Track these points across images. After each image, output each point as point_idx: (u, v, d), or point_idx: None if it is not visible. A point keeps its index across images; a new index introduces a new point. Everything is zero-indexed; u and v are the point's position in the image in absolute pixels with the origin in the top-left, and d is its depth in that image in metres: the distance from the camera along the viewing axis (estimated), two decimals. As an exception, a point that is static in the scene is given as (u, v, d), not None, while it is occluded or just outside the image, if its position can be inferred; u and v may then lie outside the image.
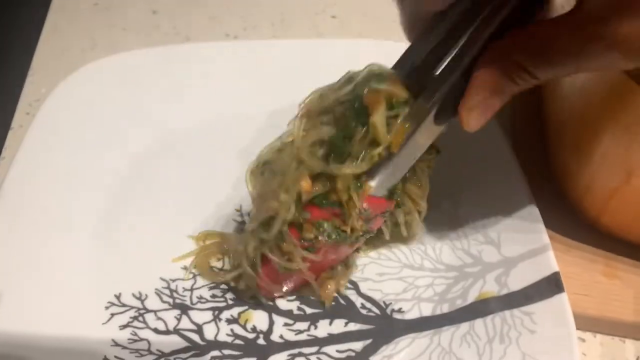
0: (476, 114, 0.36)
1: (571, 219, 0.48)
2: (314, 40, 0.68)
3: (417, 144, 0.39)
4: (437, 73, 0.36)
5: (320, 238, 0.40)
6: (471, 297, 0.45)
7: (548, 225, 0.46)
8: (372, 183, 0.39)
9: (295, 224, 0.40)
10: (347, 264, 0.46)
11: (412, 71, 0.37)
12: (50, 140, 0.52)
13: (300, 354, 0.43)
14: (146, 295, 0.45)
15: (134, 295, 0.45)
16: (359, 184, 0.39)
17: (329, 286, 0.45)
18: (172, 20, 0.72)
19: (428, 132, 0.39)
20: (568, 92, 0.45)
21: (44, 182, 0.50)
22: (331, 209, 0.40)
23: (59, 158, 0.51)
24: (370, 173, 0.39)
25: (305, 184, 0.39)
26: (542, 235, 0.45)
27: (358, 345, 0.44)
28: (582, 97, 0.42)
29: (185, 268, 0.47)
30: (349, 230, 0.40)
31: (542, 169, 0.51)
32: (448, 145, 0.53)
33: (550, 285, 0.43)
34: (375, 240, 0.47)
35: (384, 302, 0.46)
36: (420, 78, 0.37)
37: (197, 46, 0.63)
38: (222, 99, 0.58)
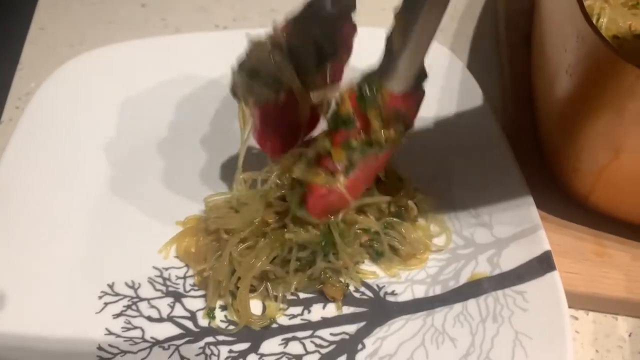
0: None
1: (562, 199, 0.48)
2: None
3: (430, 16, 0.35)
4: None
5: (353, 157, 0.39)
6: (464, 278, 0.45)
7: (539, 205, 0.46)
8: (390, 83, 0.37)
9: (322, 155, 0.39)
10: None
11: None
12: (40, 134, 0.52)
13: (294, 338, 0.43)
14: (139, 284, 0.46)
15: (127, 284, 0.45)
16: (374, 90, 0.37)
17: (337, 285, 0.45)
18: (161, 13, 0.72)
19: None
20: (556, 72, 0.45)
21: (34, 175, 0.50)
22: (346, 131, 0.38)
23: (49, 151, 0.51)
24: (383, 73, 0.37)
25: None
26: (533, 215, 0.46)
27: (352, 328, 0.44)
28: (569, 77, 0.42)
29: (176, 257, 0.47)
30: (378, 139, 0.38)
31: (533, 151, 0.51)
32: (440, 129, 0.54)
33: (542, 264, 0.43)
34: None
35: (377, 285, 0.46)
36: None
37: (186, 37, 0.63)
38: (212, 88, 0.58)
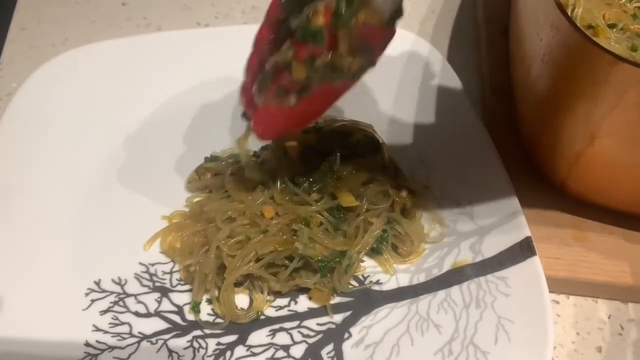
0: None
1: (541, 187, 0.49)
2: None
3: None
4: None
5: (313, 77, 0.37)
6: (447, 266, 0.46)
7: (519, 193, 0.47)
8: (369, 8, 0.35)
9: (282, 64, 0.37)
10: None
11: None
12: (23, 133, 0.52)
13: (281, 329, 0.44)
14: (126, 280, 0.46)
15: (113, 280, 0.46)
16: (351, 10, 0.34)
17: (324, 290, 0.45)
18: (142, 11, 0.72)
19: None
20: (533, 61, 0.46)
21: (18, 174, 0.49)
22: (313, 46, 0.36)
23: (32, 150, 0.51)
24: None
25: None
26: (513, 202, 0.46)
27: (338, 318, 0.44)
28: (545, 65, 0.43)
29: (162, 252, 0.47)
30: (343, 64, 0.36)
31: (513, 140, 0.52)
32: (420, 121, 0.54)
33: (523, 250, 0.44)
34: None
35: (362, 275, 0.47)
36: None
37: (167, 35, 0.63)
38: (194, 85, 0.58)
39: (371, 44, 0.37)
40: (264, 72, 0.39)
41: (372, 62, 0.38)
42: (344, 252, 0.45)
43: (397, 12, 0.36)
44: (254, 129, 0.42)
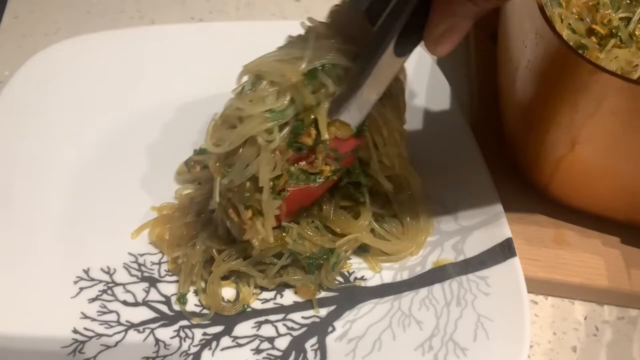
0: (444, 40, 0.37)
1: (524, 190, 0.50)
2: (279, 22, 0.69)
3: (379, 78, 0.39)
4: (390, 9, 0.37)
5: (290, 182, 0.41)
6: (429, 264, 0.47)
7: (502, 195, 0.48)
8: (341, 118, 0.40)
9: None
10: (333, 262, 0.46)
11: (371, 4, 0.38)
12: (13, 122, 0.52)
13: (267, 321, 0.45)
14: (114, 269, 0.46)
15: (102, 269, 0.46)
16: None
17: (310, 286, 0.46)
18: (136, 4, 0.72)
19: (390, 65, 0.39)
20: (517, 67, 0.47)
21: (9, 164, 0.50)
22: (296, 154, 0.40)
23: (23, 139, 0.51)
24: (334, 112, 0.39)
25: None
26: (496, 204, 0.48)
27: (323, 312, 0.45)
28: (529, 72, 0.44)
29: (150, 243, 0.48)
30: (318, 172, 0.41)
31: (498, 144, 0.53)
32: (409, 123, 0.55)
33: (504, 251, 0.45)
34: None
35: (347, 271, 0.48)
36: (377, 11, 0.38)
37: (161, 28, 0.63)
38: (186, 80, 0.58)
39: (341, 153, 0.42)
40: None
41: (343, 166, 0.43)
42: (332, 249, 0.46)
43: (364, 124, 0.41)
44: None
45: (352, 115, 0.40)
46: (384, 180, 0.46)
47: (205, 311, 0.45)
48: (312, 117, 0.39)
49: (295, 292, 0.46)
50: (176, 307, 0.45)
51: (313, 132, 0.40)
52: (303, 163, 0.41)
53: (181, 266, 0.46)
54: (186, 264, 0.45)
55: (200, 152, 0.52)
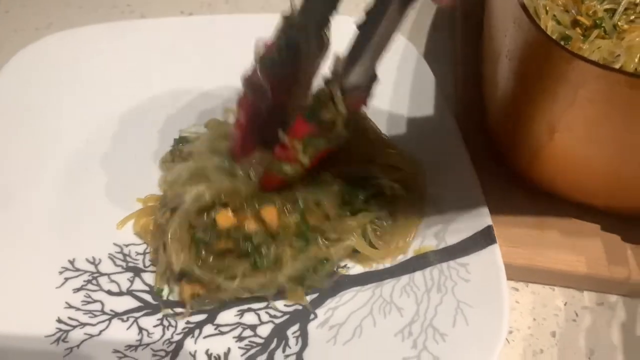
0: None
1: (506, 178, 0.50)
2: (268, 15, 0.69)
3: (387, 29, 0.41)
4: None
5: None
6: (411, 252, 0.47)
7: (484, 184, 0.48)
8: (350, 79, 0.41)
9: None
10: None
11: None
12: (2, 114, 0.53)
13: (249, 310, 0.45)
14: (100, 259, 0.47)
15: (87, 260, 0.47)
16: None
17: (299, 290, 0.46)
18: (127, -1, 0.73)
19: (396, 17, 0.40)
20: (498, 57, 0.47)
21: (-3, 155, 0.51)
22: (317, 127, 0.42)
23: (11, 132, 0.52)
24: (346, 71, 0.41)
25: None
26: (478, 193, 0.48)
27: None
28: (509, 61, 0.44)
29: (136, 234, 0.49)
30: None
31: (481, 135, 0.53)
32: (393, 114, 0.56)
33: (484, 238, 0.46)
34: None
35: (330, 261, 0.48)
36: None
37: (151, 22, 0.64)
38: (176, 73, 0.59)
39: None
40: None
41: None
42: (325, 259, 0.46)
43: (373, 78, 0.43)
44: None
45: (367, 68, 0.41)
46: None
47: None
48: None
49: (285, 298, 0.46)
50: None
51: (331, 107, 0.41)
52: None
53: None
54: (163, 260, 0.45)
55: (180, 140, 0.53)
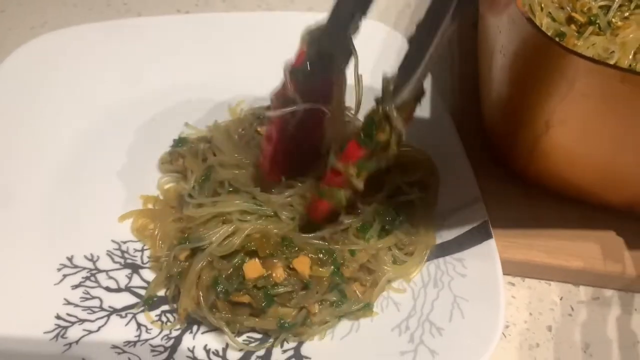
0: None
1: (502, 174, 0.51)
2: (264, 13, 0.70)
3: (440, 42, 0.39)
4: None
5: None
6: (409, 248, 0.48)
7: (481, 180, 0.49)
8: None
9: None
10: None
11: None
12: (0, 114, 0.53)
13: (248, 305, 0.45)
14: (98, 256, 0.47)
15: (85, 257, 0.47)
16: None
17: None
18: (123, -3, 0.73)
19: (447, 29, 0.38)
20: (493, 52, 0.47)
21: (-6, 152, 0.51)
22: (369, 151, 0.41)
23: (9, 129, 0.52)
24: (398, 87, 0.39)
25: None
26: (474, 188, 0.48)
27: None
28: (503, 57, 0.45)
29: (133, 233, 0.49)
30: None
31: (477, 130, 0.54)
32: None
33: (480, 233, 0.46)
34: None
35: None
36: None
37: (146, 20, 0.64)
38: (172, 71, 0.59)
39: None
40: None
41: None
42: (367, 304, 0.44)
43: (420, 94, 0.41)
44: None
45: (418, 82, 0.40)
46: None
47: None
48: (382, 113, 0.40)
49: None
50: (158, 293, 0.46)
51: (387, 128, 0.40)
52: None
53: (161, 266, 0.45)
54: (163, 271, 0.45)
55: (180, 141, 0.53)
